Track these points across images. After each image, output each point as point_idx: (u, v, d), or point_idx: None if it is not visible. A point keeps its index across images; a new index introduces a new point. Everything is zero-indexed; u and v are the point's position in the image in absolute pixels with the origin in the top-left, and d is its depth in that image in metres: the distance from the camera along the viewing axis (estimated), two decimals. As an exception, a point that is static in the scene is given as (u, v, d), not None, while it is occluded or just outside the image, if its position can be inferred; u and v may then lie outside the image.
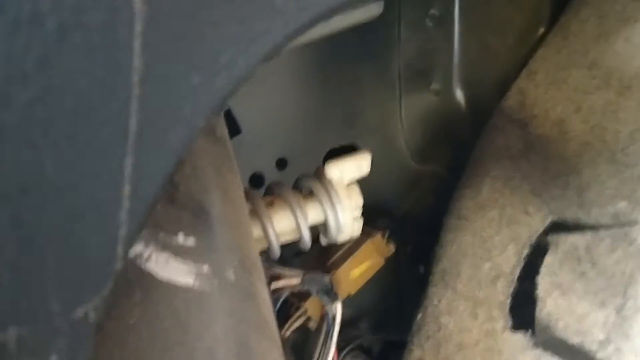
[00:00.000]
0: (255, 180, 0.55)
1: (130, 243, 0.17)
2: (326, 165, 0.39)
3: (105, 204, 0.16)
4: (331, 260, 0.57)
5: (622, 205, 0.40)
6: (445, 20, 0.60)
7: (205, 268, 0.28)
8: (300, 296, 0.54)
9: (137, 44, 0.16)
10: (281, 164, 0.57)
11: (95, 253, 0.16)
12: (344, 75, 0.58)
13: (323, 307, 0.55)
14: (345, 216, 0.38)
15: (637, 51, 0.40)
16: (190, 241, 0.28)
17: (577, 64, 0.46)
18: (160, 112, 0.17)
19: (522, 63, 0.55)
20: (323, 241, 0.41)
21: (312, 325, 0.56)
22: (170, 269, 0.27)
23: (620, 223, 0.39)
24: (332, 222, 0.38)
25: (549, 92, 0.49)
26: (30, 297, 0.15)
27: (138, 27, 0.16)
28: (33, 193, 0.15)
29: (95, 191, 0.16)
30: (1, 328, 0.15)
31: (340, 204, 0.38)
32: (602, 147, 0.41)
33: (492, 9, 0.59)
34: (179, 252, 0.27)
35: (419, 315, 0.47)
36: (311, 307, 0.56)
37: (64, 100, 0.15)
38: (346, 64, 0.57)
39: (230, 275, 0.29)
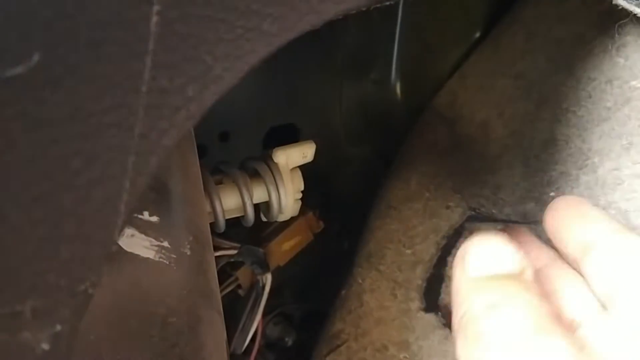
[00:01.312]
0: (199, 151, 0.57)
1: (123, 229, 0.20)
2: (273, 150, 0.42)
3: (110, 196, 0.19)
4: (265, 233, 0.60)
5: (530, 205, 0.46)
6: (389, 14, 0.64)
7: (166, 243, 0.30)
8: (234, 265, 0.58)
9: (148, 60, 0.19)
10: (224, 137, 0.60)
11: (98, 238, 0.19)
12: (290, 58, 0.61)
13: (254, 276, 0.59)
14: (287, 198, 0.41)
15: (557, 69, 0.45)
16: (154, 218, 0.30)
17: (504, 74, 0.51)
18: (160, 119, 0.20)
19: (457, 64, 0.60)
20: (264, 219, 0.44)
21: (242, 292, 0.60)
22: (135, 243, 0.29)
23: (527, 222, 0.44)
24: (274, 203, 0.41)
25: (476, 95, 0.54)
26: (44, 275, 0.18)
27: (151, 45, 0.19)
28: (55, 186, 0.17)
29: (104, 186, 0.19)
30: (21, 300, 0.17)
31: (283, 187, 0.41)
32: (519, 152, 0.46)
33: (434, 8, 0.62)
34: (143, 228, 0.30)
35: (343, 292, 0.51)
36: (242, 275, 0.59)
37: (84, 101, 0.18)
38: (292, 47, 0.59)
39: (187, 250, 0.32)
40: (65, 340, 0.19)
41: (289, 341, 0.66)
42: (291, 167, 0.42)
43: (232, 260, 0.54)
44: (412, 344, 0.44)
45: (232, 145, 0.59)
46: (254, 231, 0.57)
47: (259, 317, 0.57)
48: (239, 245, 0.52)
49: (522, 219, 0.46)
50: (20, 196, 0.17)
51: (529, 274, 0.30)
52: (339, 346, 0.49)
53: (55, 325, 0.19)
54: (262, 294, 0.56)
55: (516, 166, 0.48)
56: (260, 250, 0.52)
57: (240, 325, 0.58)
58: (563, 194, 0.42)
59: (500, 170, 0.48)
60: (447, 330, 0.45)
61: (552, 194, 0.42)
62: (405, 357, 0.44)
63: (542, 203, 0.45)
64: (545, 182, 0.45)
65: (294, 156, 0.42)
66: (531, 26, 0.50)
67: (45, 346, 0.18)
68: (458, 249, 0.30)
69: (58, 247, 0.18)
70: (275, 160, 0.42)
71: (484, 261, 0.30)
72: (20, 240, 0.17)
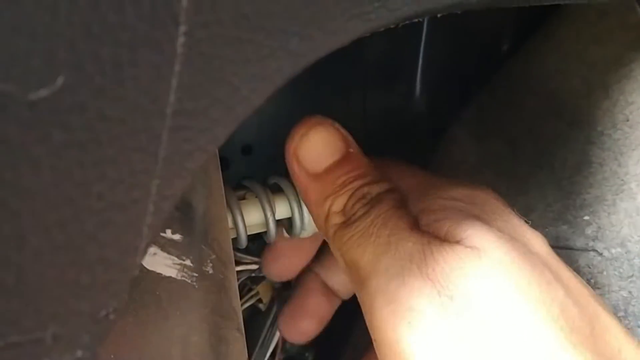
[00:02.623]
0: (222, 164, 0.57)
1: (145, 253, 0.20)
2: None
3: (134, 220, 0.19)
4: (286, 247, 0.60)
5: (563, 228, 0.45)
6: (414, 26, 0.63)
7: (188, 261, 0.30)
8: (255, 279, 0.57)
9: (174, 82, 0.19)
10: (246, 150, 0.59)
11: (120, 263, 0.19)
12: (314, 70, 0.61)
13: (275, 291, 0.58)
14: (310, 215, 0.41)
15: (591, 90, 0.44)
16: (177, 236, 0.30)
17: (535, 92, 0.50)
18: (184, 142, 0.20)
19: (484, 78, 0.59)
20: (286, 236, 0.44)
21: (262, 307, 0.59)
22: (157, 261, 0.29)
23: (559, 246, 0.43)
24: (297, 220, 0.41)
25: (506, 111, 0.53)
26: (67, 301, 0.17)
27: (177, 67, 0.19)
28: (78, 210, 0.17)
29: (127, 211, 0.18)
30: (42, 327, 0.17)
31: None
32: (550, 172, 0.45)
33: (460, 20, 0.62)
34: (166, 246, 0.29)
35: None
36: (263, 290, 0.59)
37: (109, 124, 0.18)
38: (318, 60, 0.59)
39: (209, 268, 0.31)
40: (86, 366, 0.19)
41: (309, 356, 0.66)
42: (315, 183, 0.42)
43: (253, 274, 0.54)
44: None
45: (255, 159, 0.59)
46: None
47: (279, 332, 0.57)
48: (260, 259, 0.51)
49: (555, 241, 0.45)
50: (41, 221, 0.17)
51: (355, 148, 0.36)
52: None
53: (76, 352, 0.18)
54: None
55: (547, 187, 0.47)
56: (283, 265, 0.52)
57: (260, 340, 0.58)
58: (599, 218, 0.41)
59: (531, 191, 0.47)
60: None
61: (586, 217, 0.41)
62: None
63: (576, 226, 0.44)
64: (579, 205, 0.44)
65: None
66: (565, 45, 0.49)
67: (65, 373, 0.18)
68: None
69: (79, 273, 0.18)
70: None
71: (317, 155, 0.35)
72: (41, 266, 0.17)
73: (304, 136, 0.35)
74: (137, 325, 0.28)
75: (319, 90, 0.62)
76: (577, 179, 0.43)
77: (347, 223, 0.34)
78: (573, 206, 0.43)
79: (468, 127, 0.56)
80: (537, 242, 0.33)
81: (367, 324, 0.32)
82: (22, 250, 0.17)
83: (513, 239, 0.31)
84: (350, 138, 0.37)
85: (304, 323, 0.44)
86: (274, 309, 0.57)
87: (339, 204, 0.34)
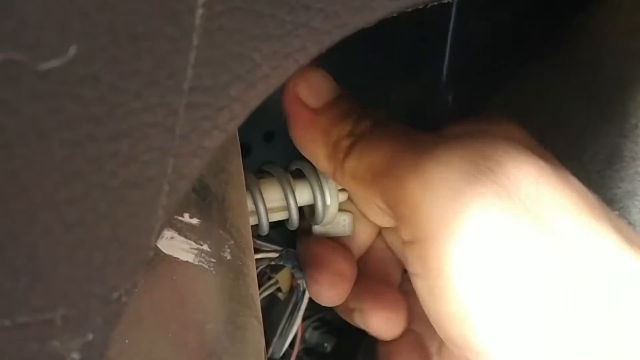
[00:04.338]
0: (243, 150, 0.56)
1: (159, 235, 0.19)
2: None
3: (148, 199, 0.18)
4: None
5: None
6: (441, 15, 0.62)
7: (206, 247, 0.29)
8: (274, 268, 0.57)
9: (192, 56, 0.18)
10: (268, 137, 0.59)
11: (134, 243, 0.18)
12: (336, 57, 0.60)
13: (294, 280, 0.57)
14: (332, 201, 0.40)
15: (625, 83, 0.42)
16: (195, 221, 0.29)
17: (565, 83, 0.48)
18: (202, 120, 0.19)
19: (512, 69, 0.57)
20: (307, 223, 0.43)
21: (282, 296, 0.59)
22: (174, 245, 0.28)
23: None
24: (319, 206, 0.40)
25: (533, 102, 0.51)
26: (78, 282, 0.17)
27: (195, 40, 0.18)
28: (90, 187, 0.16)
29: (142, 189, 0.18)
30: (52, 308, 0.16)
31: (328, 189, 0.40)
32: (579, 166, 0.44)
33: (488, 11, 0.60)
34: (183, 231, 0.29)
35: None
36: (282, 279, 0.58)
37: (123, 98, 0.17)
38: (339, 46, 0.58)
39: (227, 254, 0.31)
40: (97, 349, 0.18)
41: (328, 347, 0.65)
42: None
43: (272, 263, 0.53)
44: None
45: (276, 145, 0.58)
46: (295, 234, 0.56)
47: (298, 321, 0.56)
48: (280, 248, 0.50)
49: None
50: (52, 197, 0.16)
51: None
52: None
53: (86, 335, 0.18)
54: (302, 299, 0.55)
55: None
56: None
57: (279, 330, 0.57)
58: (629, 214, 0.40)
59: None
60: None
61: (616, 212, 0.40)
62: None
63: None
64: (609, 200, 0.42)
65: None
66: (599, 36, 0.47)
67: (76, 356, 0.17)
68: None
69: (92, 253, 0.17)
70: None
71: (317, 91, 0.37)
72: (52, 245, 0.17)
73: (302, 76, 0.37)
74: (153, 310, 0.28)
75: (340, 79, 0.61)
76: (607, 173, 0.42)
77: (357, 140, 0.35)
78: (603, 201, 0.41)
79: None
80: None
81: (392, 206, 0.32)
82: (32, 228, 0.16)
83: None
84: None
85: (335, 281, 0.42)
86: (294, 298, 0.57)
87: (346, 128, 0.35)
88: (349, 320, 0.46)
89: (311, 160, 0.39)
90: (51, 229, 0.16)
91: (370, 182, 0.34)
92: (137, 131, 0.17)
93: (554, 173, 0.30)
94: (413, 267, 0.31)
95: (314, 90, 0.37)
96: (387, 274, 0.45)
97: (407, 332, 0.42)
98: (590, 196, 0.31)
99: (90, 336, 0.18)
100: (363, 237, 0.44)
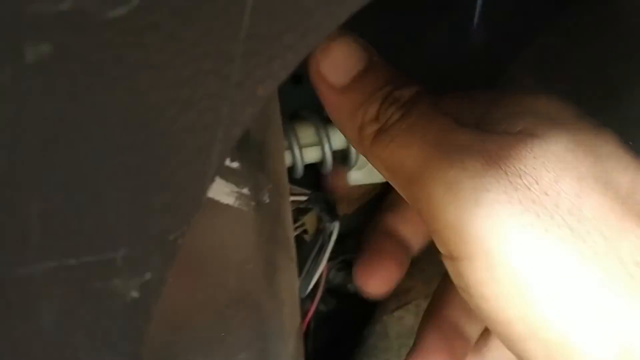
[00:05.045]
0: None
1: (213, 180, 0.20)
2: None
3: (204, 145, 0.18)
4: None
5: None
6: None
7: (245, 190, 0.30)
8: (301, 211, 0.58)
9: (248, 4, 0.18)
10: (297, 79, 0.58)
11: (190, 188, 0.19)
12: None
13: (320, 222, 0.58)
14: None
15: None
16: (235, 164, 0.30)
17: (604, 31, 0.47)
18: (256, 68, 0.19)
19: (550, 15, 0.56)
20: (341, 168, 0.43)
21: (307, 237, 0.60)
22: (216, 188, 0.29)
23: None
24: (352, 150, 0.40)
25: (571, 52, 0.50)
26: (138, 223, 0.17)
27: (252, -12, 0.18)
28: (151, 133, 0.17)
29: (198, 135, 0.18)
30: (114, 248, 0.17)
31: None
32: (616, 117, 0.44)
33: None
34: (224, 174, 0.29)
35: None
36: (308, 221, 0.59)
37: (183, 47, 0.17)
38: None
39: (266, 197, 0.31)
40: (154, 288, 0.19)
41: (352, 288, 0.66)
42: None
43: (301, 206, 0.54)
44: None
45: (305, 88, 0.58)
46: (322, 178, 0.57)
47: (324, 263, 0.57)
48: (309, 191, 0.51)
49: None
50: (115, 142, 0.17)
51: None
52: (407, 303, 0.49)
53: (144, 274, 0.18)
54: (328, 241, 0.56)
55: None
56: (330, 197, 0.52)
57: (305, 271, 0.59)
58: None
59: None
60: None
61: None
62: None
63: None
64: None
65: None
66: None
67: (135, 294, 0.18)
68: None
69: (151, 196, 0.18)
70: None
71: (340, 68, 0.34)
72: (114, 187, 0.17)
73: (324, 51, 0.34)
74: (195, 251, 0.29)
75: (369, 19, 0.60)
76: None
77: (383, 129, 0.32)
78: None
79: (529, 68, 0.53)
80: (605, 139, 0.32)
81: (424, 218, 0.31)
82: (97, 172, 0.17)
83: (578, 132, 0.31)
84: (371, 47, 0.35)
85: (383, 274, 0.43)
86: (320, 240, 0.58)
87: (371, 112, 0.33)
88: None
89: None
90: (114, 174, 0.17)
91: (399, 180, 0.32)
92: (195, 78, 0.17)
93: (595, 182, 0.29)
94: (452, 278, 0.31)
95: (338, 66, 0.34)
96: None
97: (442, 318, 0.41)
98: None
99: (148, 275, 0.18)
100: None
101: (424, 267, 0.49)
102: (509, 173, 0.28)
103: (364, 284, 0.43)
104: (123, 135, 0.17)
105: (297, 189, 0.52)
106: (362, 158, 0.41)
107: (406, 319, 0.49)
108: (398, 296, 0.51)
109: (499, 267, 0.28)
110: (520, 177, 0.28)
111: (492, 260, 0.28)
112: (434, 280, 0.48)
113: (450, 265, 0.30)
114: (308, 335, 0.63)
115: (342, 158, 0.43)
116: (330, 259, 0.67)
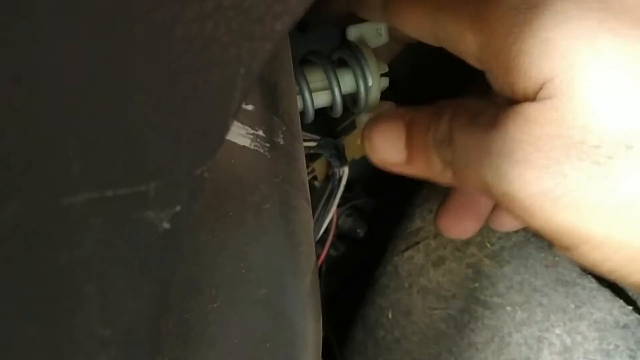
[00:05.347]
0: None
1: (235, 116, 0.20)
2: (347, 28, 0.41)
3: (227, 81, 0.19)
4: (342, 126, 0.60)
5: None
6: None
7: (260, 132, 0.31)
8: (311, 156, 0.58)
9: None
10: (302, 27, 0.58)
11: (214, 123, 0.19)
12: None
13: (330, 168, 0.59)
14: (374, 86, 0.41)
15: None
16: (249, 107, 0.30)
17: None
18: (275, 3, 0.19)
19: None
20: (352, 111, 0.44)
21: (317, 184, 0.61)
22: (232, 130, 0.29)
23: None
24: (362, 93, 0.41)
25: None
26: (167, 158, 0.18)
27: None
28: (179, 67, 0.17)
29: (221, 70, 0.18)
30: (147, 181, 0.18)
31: (370, 74, 0.40)
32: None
33: None
34: (240, 116, 0.30)
35: (424, 191, 0.51)
36: (318, 167, 0.60)
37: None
38: None
39: (280, 139, 0.32)
40: (184, 220, 0.20)
41: (361, 233, 0.68)
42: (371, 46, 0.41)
43: (310, 152, 0.55)
44: (494, 243, 0.44)
45: (311, 35, 0.58)
46: (330, 124, 0.57)
47: (333, 209, 0.58)
48: (318, 137, 0.52)
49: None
50: (145, 77, 0.17)
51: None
52: (417, 243, 0.50)
53: (175, 206, 0.19)
54: (338, 187, 0.57)
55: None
56: (341, 142, 0.52)
57: (315, 216, 0.60)
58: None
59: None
60: (528, 232, 0.45)
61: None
62: (486, 255, 0.45)
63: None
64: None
65: (368, 33, 0.41)
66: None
67: (167, 225, 0.19)
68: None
69: (179, 131, 0.18)
70: (349, 38, 0.41)
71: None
72: (144, 122, 0.18)
73: (369, 143, 0.38)
74: (212, 191, 0.29)
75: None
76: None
77: (453, 167, 0.35)
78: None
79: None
80: None
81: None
82: (127, 108, 0.17)
83: None
84: (398, 109, 0.39)
85: (467, 221, 0.43)
86: (329, 186, 0.59)
87: (437, 162, 0.36)
88: None
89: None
90: (144, 109, 0.17)
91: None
92: (218, 13, 0.18)
93: None
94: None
95: (388, 151, 0.37)
96: None
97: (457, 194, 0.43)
98: None
99: (178, 207, 0.19)
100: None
101: (432, 207, 0.50)
102: None
103: (447, 229, 0.45)
104: (153, 68, 0.17)
105: (307, 135, 0.53)
106: (371, 101, 0.41)
107: (416, 258, 0.51)
108: (407, 237, 0.52)
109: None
110: None
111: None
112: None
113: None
114: (320, 280, 0.64)
115: (352, 101, 0.44)
116: (339, 205, 0.68)
